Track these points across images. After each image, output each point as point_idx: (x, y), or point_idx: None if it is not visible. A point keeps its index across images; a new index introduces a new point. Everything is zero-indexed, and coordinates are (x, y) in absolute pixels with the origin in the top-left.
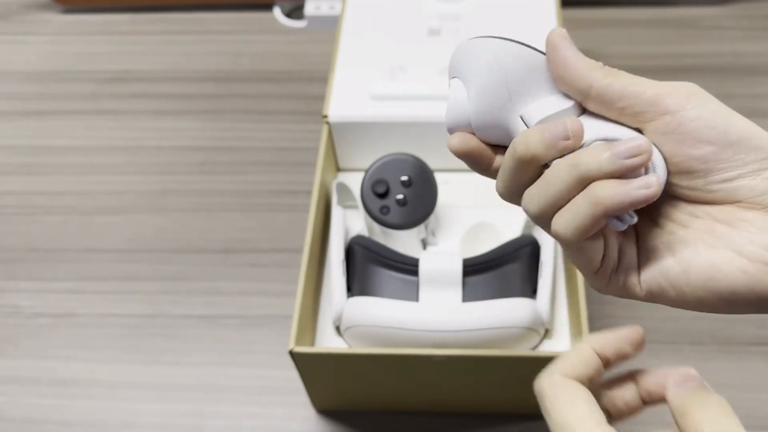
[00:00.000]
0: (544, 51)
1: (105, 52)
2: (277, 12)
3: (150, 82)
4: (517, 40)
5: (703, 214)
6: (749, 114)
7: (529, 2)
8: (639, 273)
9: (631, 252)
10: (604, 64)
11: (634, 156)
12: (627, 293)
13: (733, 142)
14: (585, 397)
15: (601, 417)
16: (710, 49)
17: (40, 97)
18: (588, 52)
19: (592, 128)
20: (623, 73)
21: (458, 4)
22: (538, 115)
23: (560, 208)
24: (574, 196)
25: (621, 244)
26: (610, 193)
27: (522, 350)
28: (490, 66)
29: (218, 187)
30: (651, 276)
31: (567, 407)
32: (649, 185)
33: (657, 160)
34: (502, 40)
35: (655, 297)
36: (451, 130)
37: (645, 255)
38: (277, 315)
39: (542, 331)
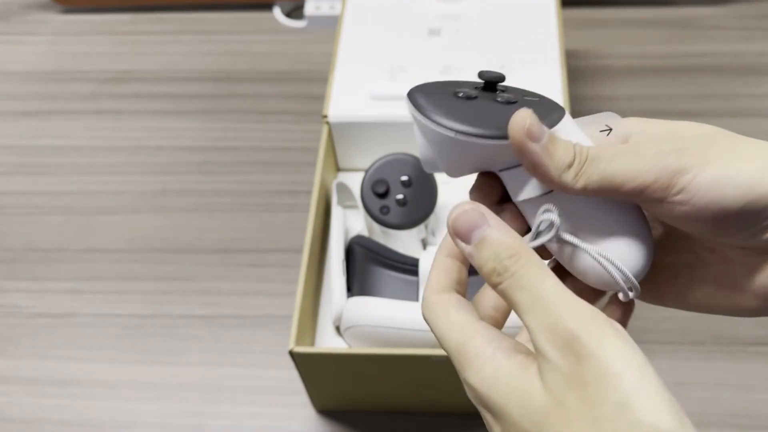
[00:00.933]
0: (500, 135)
1: (105, 52)
2: (277, 12)
3: (150, 82)
4: (473, 131)
5: (722, 248)
6: (750, 114)
7: (529, 2)
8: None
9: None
10: (606, 62)
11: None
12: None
13: (741, 209)
14: (455, 303)
15: (470, 316)
16: (710, 49)
17: (40, 97)
18: (588, 52)
19: None
20: (594, 165)
21: (458, 4)
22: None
23: None
24: None
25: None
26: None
27: None
28: (446, 150)
29: (218, 187)
30: (674, 302)
31: (441, 321)
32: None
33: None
34: (451, 135)
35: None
36: (428, 167)
37: (665, 286)
38: (277, 315)
39: None
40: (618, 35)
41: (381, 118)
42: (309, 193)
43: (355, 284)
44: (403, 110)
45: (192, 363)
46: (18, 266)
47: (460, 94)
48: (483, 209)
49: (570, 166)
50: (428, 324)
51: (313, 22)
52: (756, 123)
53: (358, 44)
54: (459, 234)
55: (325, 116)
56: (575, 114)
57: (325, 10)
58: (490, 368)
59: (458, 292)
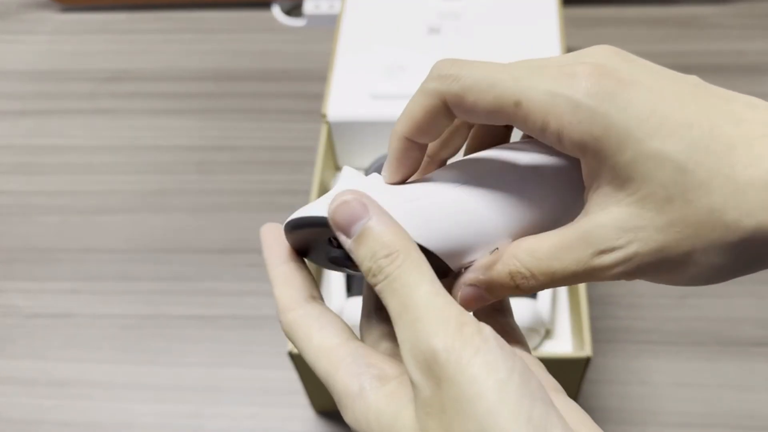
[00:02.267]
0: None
1: (103, 51)
2: (276, 11)
3: (148, 81)
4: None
5: None
6: None
7: (530, 0)
8: None
9: None
10: None
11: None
12: None
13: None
14: (315, 320)
15: (334, 336)
16: (712, 47)
17: (38, 96)
18: None
19: None
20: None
21: (458, 3)
22: None
23: None
24: None
25: None
26: None
27: None
28: None
29: (217, 187)
30: None
31: (305, 346)
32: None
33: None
34: None
35: None
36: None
37: None
38: (275, 315)
39: (543, 332)
40: (619, 34)
41: (380, 117)
42: (308, 192)
43: (355, 284)
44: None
45: (190, 363)
46: (15, 266)
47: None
48: (366, 199)
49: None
50: (295, 347)
51: (313, 20)
52: None
53: (358, 43)
54: (338, 226)
55: (325, 115)
56: None
57: (324, 8)
58: (359, 407)
59: (313, 298)
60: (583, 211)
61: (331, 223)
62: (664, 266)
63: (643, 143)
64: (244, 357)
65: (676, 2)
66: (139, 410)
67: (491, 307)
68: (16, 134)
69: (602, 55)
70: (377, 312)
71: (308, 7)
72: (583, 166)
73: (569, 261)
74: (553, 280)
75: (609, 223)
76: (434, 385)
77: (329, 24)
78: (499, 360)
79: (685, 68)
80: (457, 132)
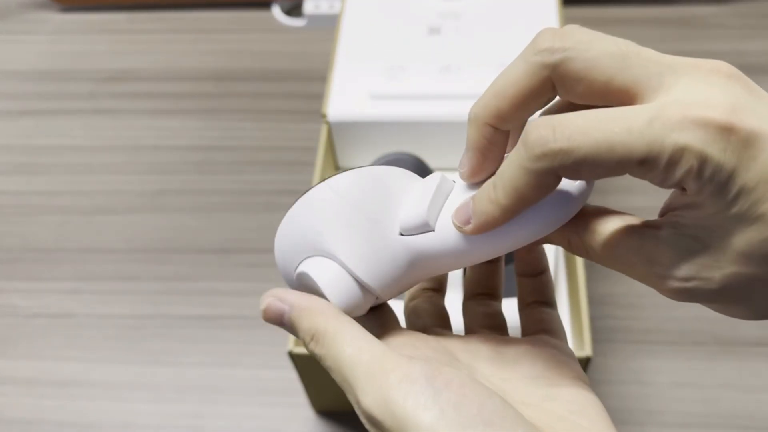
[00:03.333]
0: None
1: (103, 51)
2: (276, 11)
3: (148, 81)
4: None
5: None
6: None
7: (530, 0)
8: None
9: None
10: None
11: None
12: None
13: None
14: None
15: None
16: (712, 47)
17: (38, 96)
18: None
19: None
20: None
21: (458, 3)
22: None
23: None
24: None
25: None
26: None
27: None
28: (358, 206)
29: (217, 187)
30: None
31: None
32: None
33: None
34: (321, 190)
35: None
36: (352, 308)
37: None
38: None
39: None
40: (619, 34)
41: (381, 117)
42: None
43: None
44: (403, 109)
45: (191, 363)
46: (16, 266)
47: None
48: (280, 294)
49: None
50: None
51: (313, 20)
52: None
53: (358, 43)
54: (276, 324)
55: (325, 115)
56: None
57: (324, 8)
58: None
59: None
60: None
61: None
62: None
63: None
64: (245, 357)
65: (676, 2)
66: (139, 410)
67: (536, 299)
68: (16, 134)
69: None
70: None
71: (308, 7)
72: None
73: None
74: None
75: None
76: None
77: (329, 24)
78: (430, 398)
79: None
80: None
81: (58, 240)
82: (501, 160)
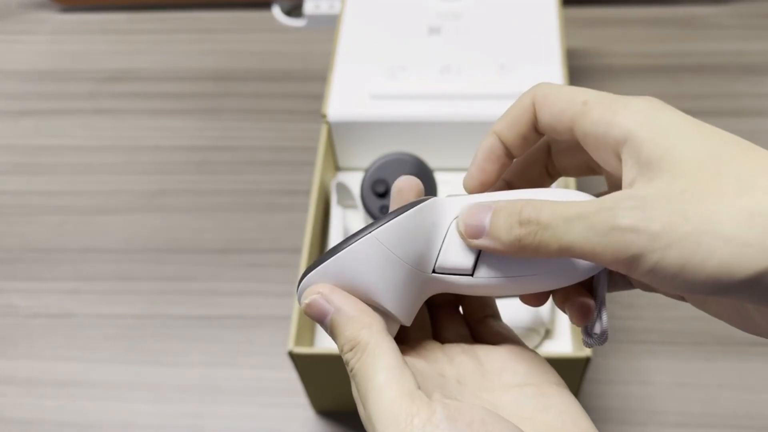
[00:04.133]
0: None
1: (103, 51)
2: (276, 11)
3: (148, 81)
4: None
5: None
6: (752, 113)
7: (530, 1)
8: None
9: None
10: (607, 61)
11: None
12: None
13: (717, 298)
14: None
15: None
16: (712, 48)
17: (38, 96)
18: (589, 51)
19: None
20: (543, 234)
21: (458, 3)
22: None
23: None
24: None
25: None
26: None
27: None
28: (397, 251)
29: (217, 187)
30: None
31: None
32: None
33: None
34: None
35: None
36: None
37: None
38: (275, 315)
39: (542, 332)
40: (619, 34)
41: (381, 117)
42: (308, 192)
43: None
44: (403, 109)
45: (190, 363)
46: (16, 266)
47: None
48: (327, 292)
49: (520, 239)
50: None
51: (313, 21)
52: (758, 122)
53: (358, 43)
54: (315, 321)
55: (325, 115)
56: None
57: (324, 9)
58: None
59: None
60: None
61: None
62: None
63: None
64: (245, 357)
65: (676, 2)
66: (139, 410)
67: (484, 313)
68: (16, 134)
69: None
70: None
71: (308, 8)
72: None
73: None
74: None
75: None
76: None
77: (329, 24)
78: None
79: (686, 68)
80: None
81: (58, 240)
82: (496, 178)
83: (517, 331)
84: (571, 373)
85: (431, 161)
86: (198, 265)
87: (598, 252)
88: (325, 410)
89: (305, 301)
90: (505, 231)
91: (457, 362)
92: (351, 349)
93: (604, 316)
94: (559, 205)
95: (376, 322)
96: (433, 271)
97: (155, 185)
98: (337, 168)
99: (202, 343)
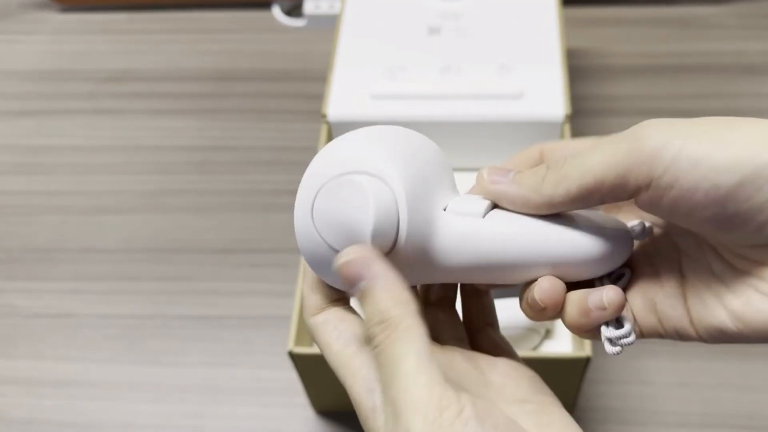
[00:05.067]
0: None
1: (103, 51)
2: (276, 11)
3: (148, 81)
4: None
5: (748, 253)
6: (752, 113)
7: (530, 0)
8: (693, 323)
9: (678, 308)
10: (607, 61)
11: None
12: (685, 339)
13: (738, 184)
14: (332, 326)
15: (351, 343)
16: (712, 48)
17: (38, 96)
18: (589, 51)
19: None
20: (569, 164)
21: (458, 3)
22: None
23: None
24: None
25: (665, 303)
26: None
27: (522, 350)
28: (414, 155)
29: (217, 187)
30: (706, 330)
31: (326, 350)
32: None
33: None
34: (405, 129)
35: (718, 341)
36: (377, 241)
37: (694, 306)
38: (276, 315)
39: (543, 331)
40: (619, 34)
41: (381, 117)
42: None
43: None
44: (403, 110)
45: (190, 363)
46: (15, 266)
47: None
48: (369, 256)
49: (544, 178)
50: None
51: (313, 21)
52: None
53: (358, 43)
54: (345, 284)
55: (325, 115)
56: (577, 114)
57: (324, 9)
58: (373, 425)
59: (337, 301)
60: None
61: (336, 272)
62: None
63: None
64: (245, 357)
65: (676, 2)
66: (139, 410)
67: (483, 322)
68: (17, 134)
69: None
70: None
71: (308, 8)
72: None
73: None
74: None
75: None
76: None
77: (329, 24)
78: None
79: (685, 68)
80: None
81: (57, 240)
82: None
83: (517, 331)
84: (571, 373)
85: None
86: (198, 265)
87: (620, 158)
88: (325, 410)
89: (345, 258)
90: (529, 174)
91: (459, 369)
92: (380, 323)
93: (626, 320)
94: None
95: (413, 302)
96: (444, 210)
97: (155, 185)
98: None
99: (202, 343)
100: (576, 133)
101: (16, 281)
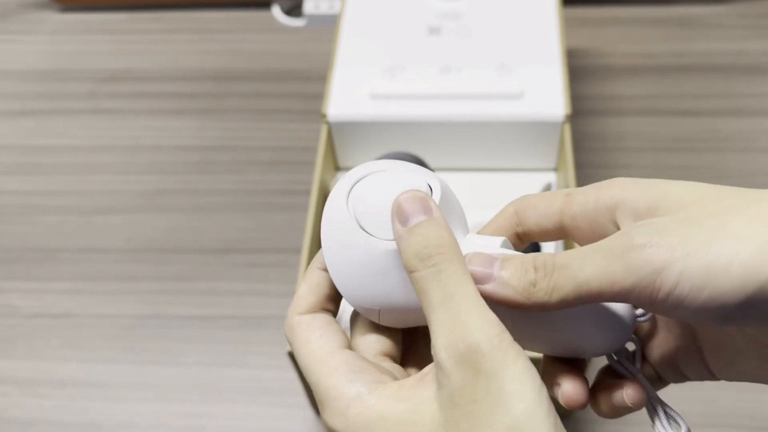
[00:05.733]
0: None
1: (103, 51)
2: (275, 11)
3: (148, 81)
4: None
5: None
6: (752, 113)
7: (530, 0)
8: (714, 375)
9: (696, 364)
10: (607, 61)
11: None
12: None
13: (745, 301)
14: (318, 327)
15: (334, 344)
16: (713, 47)
17: (38, 96)
18: (589, 51)
19: None
20: (559, 273)
21: (458, 3)
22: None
23: None
24: None
25: (682, 361)
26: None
27: None
28: (445, 185)
29: (216, 187)
30: (728, 377)
31: (301, 348)
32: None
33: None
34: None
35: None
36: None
37: (713, 363)
38: (275, 316)
39: None
40: (619, 34)
41: (381, 117)
42: (308, 192)
43: None
44: (403, 109)
45: (190, 363)
46: (15, 266)
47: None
48: (433, 203)
49: (535, 284)
50: (291, 348)
51: (313, 20)
52: (758, 122)
53: (358, 43)
54: (400, 213)
55: (325, 115)
56: (577, 114)
57: (324, 8)
58: (355, 411)
59: (327, 310)
60: None
61: (393, 206)
62: None
63: None
64: (245, 357)
65: (677, 2)
66: (139, 410)
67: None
68: (16, 134)
69: None
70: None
71: (308, 7)
72: None
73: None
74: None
75: None
76: (471, 376)
77: (329, 24)
78: (534, 372)
79: (686, 68)
80: None
81: (57, 240)
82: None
83: None
84: None
85: (431, 161)
86: (198, 265)
87: (617, 278)
88: None
89: (407, 194)
90: (517, 276)
91: None
92: (438, 246)
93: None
94: (573, 249)
95: (460, 251)
96: None
97: (155, 185)
98: (337, 168)
99: (201, 343)
100: (576, 133)
101: (16, 281)
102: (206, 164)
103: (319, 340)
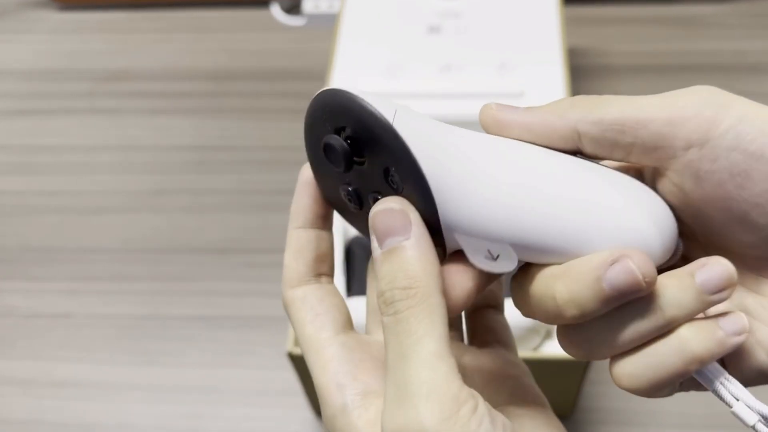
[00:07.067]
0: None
1: (101, 50)
2: (275, 9)
3: (146, 80)
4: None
5: None
6: None
7: (530, 0)
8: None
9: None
10: (608, 60)
11: (723, 290)
12: None
13: None
14: (311, 304)
15: (328, 327)
16: (714, 47)
17: (36, 95)
18: (590, 50)
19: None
20: (612, 96)
21: (458, 2)
22: None
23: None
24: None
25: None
26: (704, 344)
27: (522, 351)
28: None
29: (215, 186)
30: (749, 378)
31: (298, 330)
32: (742, 330)
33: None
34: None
35: (757, 384)
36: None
37: (735, 356)
38: (274, 316)
39: (543, 332)
40: (620, 33)
41: None
42: None
43: (355, 284)
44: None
45: (189, 364)
46: (14, 266)
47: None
48: (412, 216)
49: (573, 103)
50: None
51: (312, 19)
52: None
53: (357, 42)
54: (375, 232)
55: None
56: None
57: (323, 7)
58: (342, 422)
59: (320, 275)
60: None
61: (370, 224)
62: None
63: None
64: (243, 358)
65: (676, 2)
66: (137, 411)
67: (485, 302)
68: (14, 134)
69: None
70: None
71: (308, 7)
72: None
73: None
74: None
75: None
76: None
77: (329, 23)
78: None
79: (687, 67)
80: None
81: (56, 240)
82: None
83: (517, 332)
84: (572, 373)
85: None
86: (197, 265)
87: (679, 104)
88: None
89: (384, 206)
90: (551, 103)
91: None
92: (406, 289)
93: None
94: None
95: (439, 279)
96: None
97: (154, 185)
98: None
99: (200, 343)
100: None
101: (15, 281)
102: (205, 163)
103: (312, 323)
